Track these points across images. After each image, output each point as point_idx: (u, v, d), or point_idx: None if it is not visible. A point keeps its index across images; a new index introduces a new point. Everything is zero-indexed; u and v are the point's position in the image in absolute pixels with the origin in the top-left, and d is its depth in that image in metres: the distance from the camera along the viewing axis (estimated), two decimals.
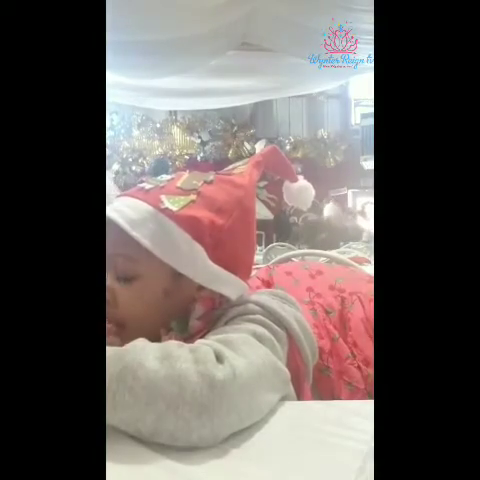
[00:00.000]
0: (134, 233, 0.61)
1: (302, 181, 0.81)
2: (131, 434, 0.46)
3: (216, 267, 0.64)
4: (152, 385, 0.45)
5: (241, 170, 0.72)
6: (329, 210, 5.43)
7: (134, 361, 0.46)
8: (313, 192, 0.82)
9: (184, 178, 0.68)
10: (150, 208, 0.63)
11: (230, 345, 0.51)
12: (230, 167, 0.74)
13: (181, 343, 0.51)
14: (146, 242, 0.61)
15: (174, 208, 0.63)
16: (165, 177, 0.70)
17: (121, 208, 0.63)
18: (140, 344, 0.50)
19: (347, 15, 3.63)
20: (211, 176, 0.68)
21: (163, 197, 0.64)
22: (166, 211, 0.63)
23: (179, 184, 0.67)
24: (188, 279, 0.63)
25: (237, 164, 0.74)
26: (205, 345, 0.50)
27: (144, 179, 0.70)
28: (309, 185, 0.81)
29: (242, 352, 0.50)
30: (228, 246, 0.65)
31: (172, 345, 0.50)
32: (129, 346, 0.49)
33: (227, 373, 0.46)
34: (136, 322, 0.64)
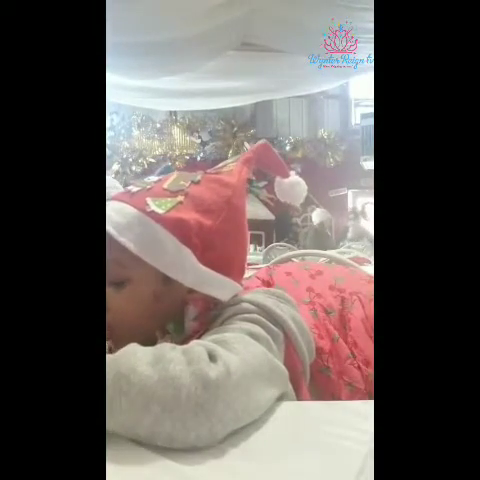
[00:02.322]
0: (121, 238, 0.60)
1: (293, 176, 0.80)
2: (130, 438, 0.46)
3: (205, 269, 0.63)
4: (146, 389, 0.44)
5: (231, 168, 0.71)
6: (317, 216, 5.43)
7: (127, 366, 0.46)
8: (305, 187, 0.81)
9: (171, 179, 0.67)
10: (136, 212, 0.62)
11: (224, 344, 0.51)
12: (220, 165, 0.73)
13: (173, 345, 0.50)
14: (133, 247, 0.60)
15: (160, 211, 0.62)
16: (152, 179, 0.69)
17: (108, 213, 0.63)
18: (131, 349, 0.49)
19: (347, 14, 3.62)
20: (198, 176, 0.68)
21: (149, 200, 0.63)
22: (152, 214, 0.62)
23: (166, 186, 0.66)
24: (178, 282, 0.63)
25: (227, 161, 0.73)
26: (198, 345, 0.50)
27: (131, 181, 0.70)
28: (301, 180, 0.80)
29: (236, 350, 0.50)
30: (218, 247, 0.64)
31: (164, 348, 0.49)
32: (120, 352, 0.49)
33: (220, 371, 0.46)
34: (128, 326, 0.64)
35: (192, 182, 0.66)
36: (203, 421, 0.44)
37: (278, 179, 0.79)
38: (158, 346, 0.51)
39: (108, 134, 7.12)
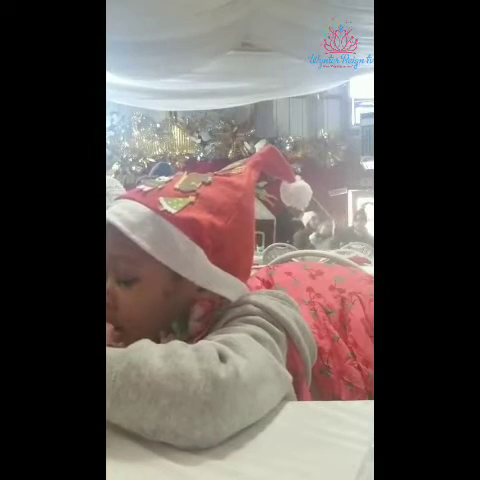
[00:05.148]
0: (133, 236, 0.61)
1: (299, 181, 0.81)
2: (133, 432, 0.46)
3: (215, 269, 0.64)
4: (156, 382, 0.45)
5: (239, 170, 0.71)
6: (305, 219, 5.49)
7: (139, 359, 0.47)
8: (310, 192, 0.82)
9: (182, 180, 0.68)
10: (148, 210, 0.63)
11: (232, 345, 0.51)
12: (228, 167, 0.74)
13: (184, 343, 0.51)
14: (145, 245, 0.61)
15: (173, 210, 0.63)
16: (163, 179, 0.70)
17: (120, 211, 0.63)
18: (145, 343, 0.50)
19: (347, 15, 3.63)
20: (209, 177, 0.68)
21: (161, 199, 0.64)
22: (165, 213, 0.63)
23: (177, 186, 0.67)
24: (188, 281, 0.63)
25: (235, 164, 0.74)
26: (208, 344, 0.50)
27: (142, 180, 0.70)
28: (306, 185, 0.81)
29: (244, 352, 0.50)
30: (227, 248, 0.65)
31: (176, 344, 0.50)
32: (134, 345, 0.50)
33: (230, 372, 0.46)
34: (136, 324, 0.64)
35: (203, 183, 0.67)
36: (209, 420, 0.44)
37: (284, 183, 0.80)
38: (170, 342, 0.51)
39: (108, 134, 7.12)
